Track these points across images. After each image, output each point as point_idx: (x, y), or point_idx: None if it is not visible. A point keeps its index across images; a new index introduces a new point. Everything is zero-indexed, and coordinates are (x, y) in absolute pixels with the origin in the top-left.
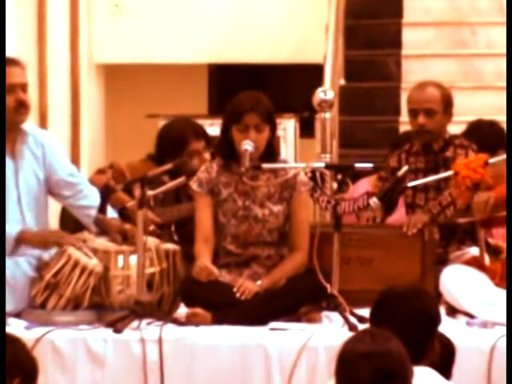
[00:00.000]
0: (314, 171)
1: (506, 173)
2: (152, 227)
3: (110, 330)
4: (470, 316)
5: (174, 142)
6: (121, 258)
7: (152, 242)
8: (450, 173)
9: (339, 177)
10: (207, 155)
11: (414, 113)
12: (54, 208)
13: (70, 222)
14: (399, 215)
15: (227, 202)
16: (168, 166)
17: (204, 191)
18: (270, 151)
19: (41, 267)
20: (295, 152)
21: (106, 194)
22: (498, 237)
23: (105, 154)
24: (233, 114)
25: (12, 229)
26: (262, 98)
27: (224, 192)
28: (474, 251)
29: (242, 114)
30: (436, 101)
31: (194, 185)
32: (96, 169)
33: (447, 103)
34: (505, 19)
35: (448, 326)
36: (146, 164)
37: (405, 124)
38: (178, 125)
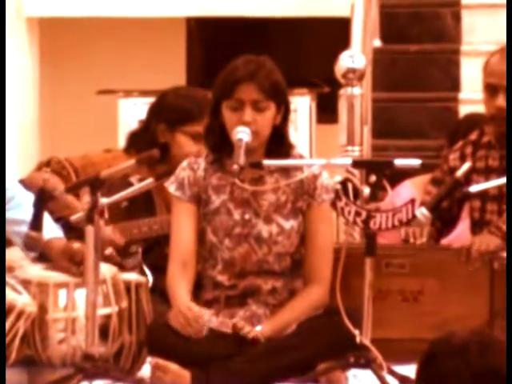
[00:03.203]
0: (344, 181)
1: (506, 172)
2: (110, 250)
3: None
4: None
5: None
6: (63, 294)
7: (108, 270)
8: None
9: (373, 178)
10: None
11: (491, 90)
12: None
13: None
14: (461, 232)
15: (219, 215)
16: (130, 162)
17: (185, 196)
18: (280, 141)
19: None
20: (310, 142)
21: (41, 202)
22: None
23: (40, 143)
24: (222, 86)
25: None
26: (266, 64)
27: (215, 200)
28: None
29: (235, 85)
30: None
31: (170, 187)
32: (37, 163)
33: None
34: None
35: None
36: (111, 156)
37: (466, 103)
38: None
